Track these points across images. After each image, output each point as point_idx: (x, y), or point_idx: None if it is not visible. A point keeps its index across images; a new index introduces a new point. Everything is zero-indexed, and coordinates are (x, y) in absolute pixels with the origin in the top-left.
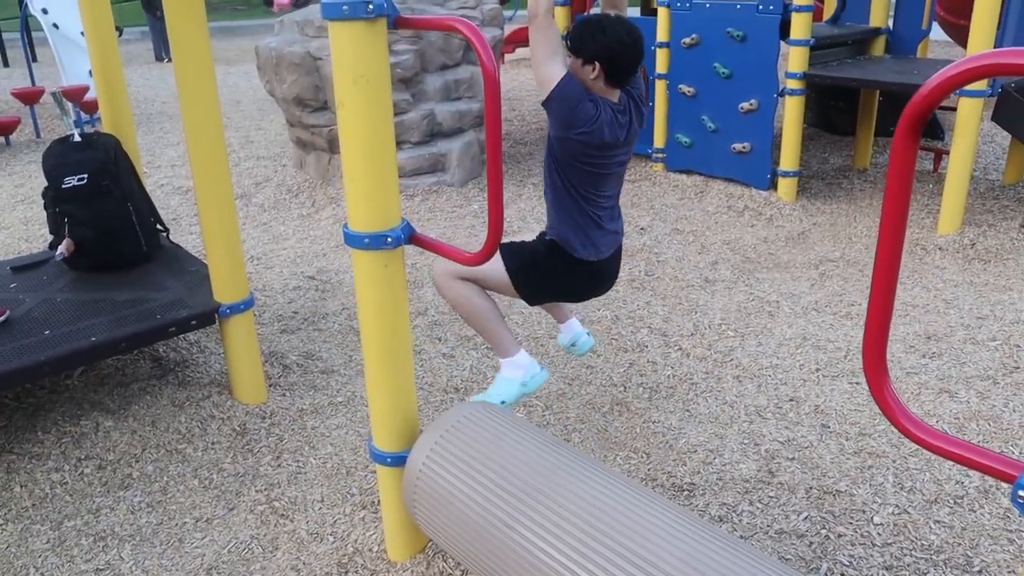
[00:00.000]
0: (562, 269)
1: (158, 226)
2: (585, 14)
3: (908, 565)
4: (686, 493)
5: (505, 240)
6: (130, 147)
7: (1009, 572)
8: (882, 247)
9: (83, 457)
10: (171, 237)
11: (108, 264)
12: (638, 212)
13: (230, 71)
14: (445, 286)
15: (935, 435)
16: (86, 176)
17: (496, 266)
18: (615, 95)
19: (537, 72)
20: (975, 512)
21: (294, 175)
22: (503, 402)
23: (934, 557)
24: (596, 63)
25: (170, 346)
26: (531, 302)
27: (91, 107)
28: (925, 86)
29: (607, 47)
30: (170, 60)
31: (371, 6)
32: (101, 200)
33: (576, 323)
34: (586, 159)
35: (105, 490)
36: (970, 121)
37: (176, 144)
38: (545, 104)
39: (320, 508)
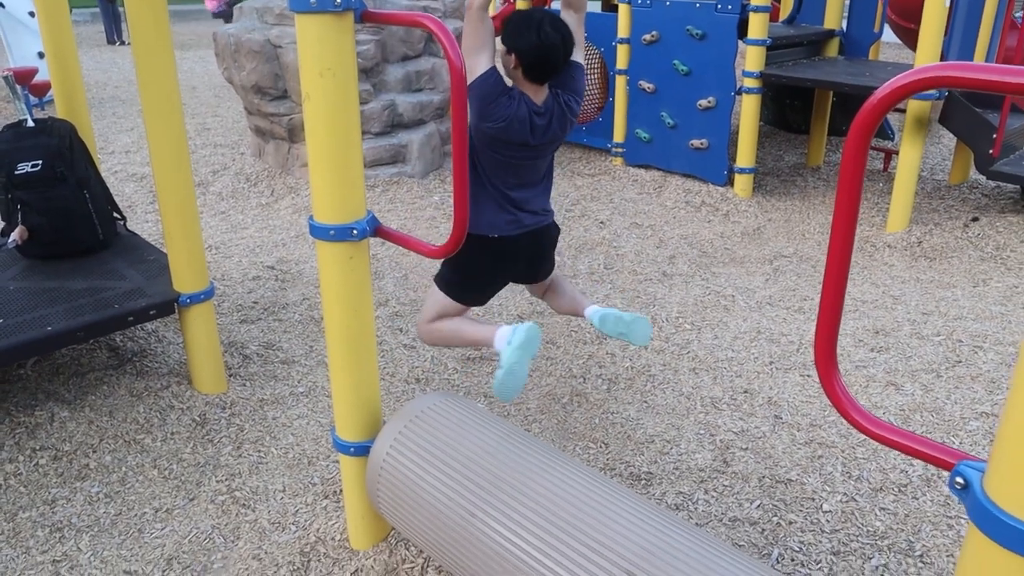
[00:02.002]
0: (472, 253)
1: (115, 214)
2: (518, 10)
3: (855, 550)
4: (644, 482)
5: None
6: (85, 133)
7: (948, 556)
8: (834, 245)
9: (38, 447)
10: (128, 225)
11: (63, 252)
12: (598, 206)
13: (185, 56)
14: (427, 337)
15: (882, 426)
16: (40, 162)
17: (433, 295)
18: (540, 95)
19: (465, 61)
20: (918, 499)
21: (252, 164)
22: (513, 366)
23: (879, 542)
24: (514, 55)
25: (127, 336)
26: (470, 300)
27: (40, 90)
28: (877, 94)
29: (526, 41)
30: (123, 43)
31: (339, 0)
32: (55, 187)
33: (596, 307)
34: (496, 149)
35: (61, 481)
36: (919, 123)
37: (130, 130)
38: (467, 90)
39: (282, 498)
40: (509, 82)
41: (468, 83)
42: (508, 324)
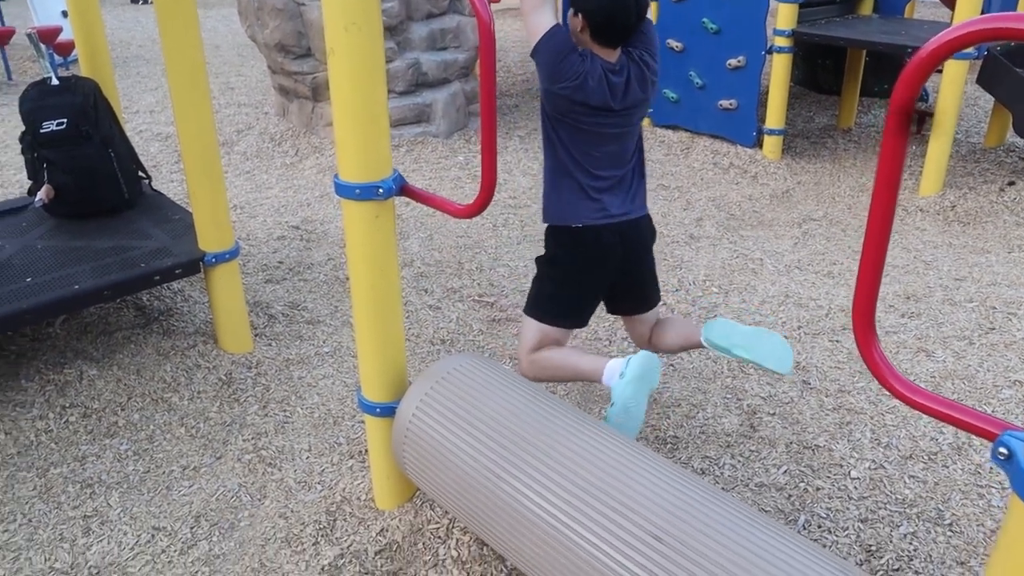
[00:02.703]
0: (557, 251)
1: (140, 173)
2: None
3: (883, 518)
4: (669, 446)
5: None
6: (109, 92)
7: (978, 525)
8: (875, 210)
9: (68, 405)
10: (153, 185)
11: (88, 211)
12: None
13: (208, 15)
14: (530, 372)
15: (922, 394)
16: (65, 121)
17: (527, 325)
18: (612, 54)
19: (525, 22)
20: (948, 468)
21: (276, 123)
22: (627, 402)
23: (907, 510)
24: (581, 16)
25: (153, 295)
26: (566, 316)
27: (65, 49)
28: (924, 48)
29: (596, 6)
30: (146, 2)
31: None
32: (80, 145)
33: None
34: (575, 117)
35: (91, 438)
36: (955, 84)
37: (154, 89)
38: (532, 55)
39: (307, 457)
40: None
41: (533, 45)
42: (620, 356)
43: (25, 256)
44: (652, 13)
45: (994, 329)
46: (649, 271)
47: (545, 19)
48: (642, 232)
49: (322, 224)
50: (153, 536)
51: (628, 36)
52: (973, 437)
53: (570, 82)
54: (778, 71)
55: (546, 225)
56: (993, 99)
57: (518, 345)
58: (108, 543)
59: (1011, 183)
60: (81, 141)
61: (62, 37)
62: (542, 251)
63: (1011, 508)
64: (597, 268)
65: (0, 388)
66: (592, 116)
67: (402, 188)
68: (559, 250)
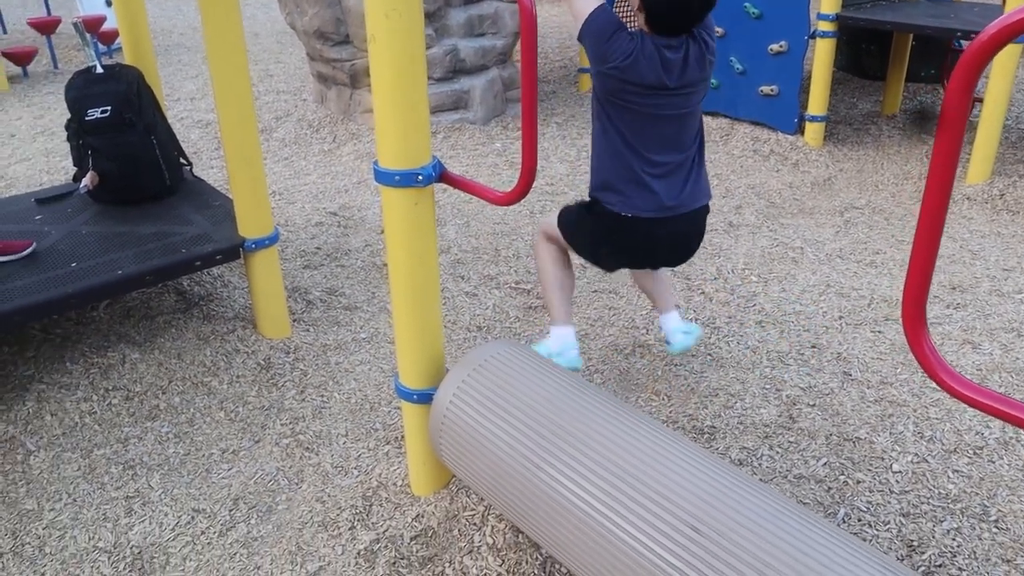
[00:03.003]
0: (599, 228)
1: (181, 160)
2: None
3: (925, 513)
4: (707, 436)
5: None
6: (152, 79)
7: None
8: (928, 200)
9: (111, 388)
10: (194, 171)
11: (132, 197)
12: None
13: (248, 2)
14: (537, 246)
15: (975, 389)
16: (109, 108)
17: (553, 219)
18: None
19: (569, 5)
20: (994, 463)
21: (315, 110)
22: (556, 359)
23: (951, 505)
24: (642, 9)
25: (194, 280)
26: (594, 262)
27: (109, 37)
28: (986, 32)
29: None
30: None
31: None
32: (124, 133)
33: (673, 317)
34: (629, 99)
35: (133, 420)
36: (1006, 68)
37: (195, 77)
38: (579, 38)
39: (344, 442)
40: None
41: (579, 28)
42: (574, 337)
43: (71, 241)
44: None
45: None
46: (694, 251)
47: (589, 1)
48: (697, 224)
49: (360, 210)
50: (193, 518)
51: (687, 31)
52: (1021, 432)
53: (620, 61)
54: (821, 56)
55: (589, 199)
56: None
57: (545, 218)
58: (149, 524)
59: None
60: (125, 128)
61: (106, 26)
62: None
63: None
64: (636, 254)
65: (46, 371)
66: (646, 97)
67: (441, 175)
68: (601, 227)
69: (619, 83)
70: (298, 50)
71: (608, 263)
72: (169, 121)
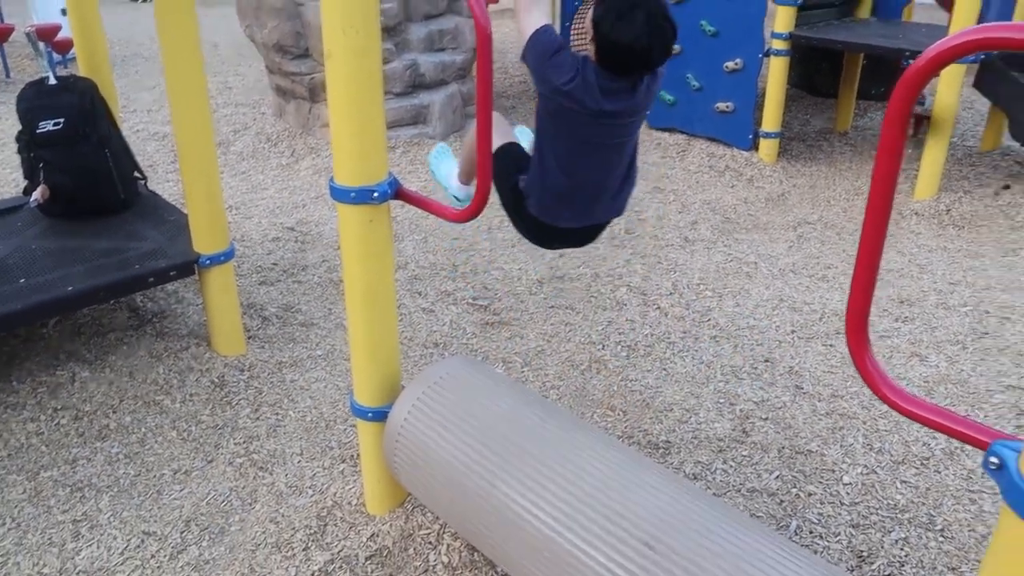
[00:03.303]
0: (519, 212)
1: (136, 173)
2: None
3: (874, 523)
4: (662, 451)
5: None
6: (107, 91)
7: (969, 530)
8: (870, 217)
9: (59, 407)
10: (148, 185)
11: (85, 211)
12: None
13: (208, 13)
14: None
15: (914, 402)
16: (62, 121)
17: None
18: None
19: (517, 22)
20: (940, 473)
21: (273, 123)
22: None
23: (899, 516)
24: (594, 32)
25: (147, 296)
26: (502, 203)
27: (63, 47)
28: (922, 57)
29: (614, 39)
30: (145, 0)
31: None
32: (77, 145)
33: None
34: (567, 121)
35: (82, 441)
36: (951, 87)
37: (152, 88)
38: (522, 58)
39: (299, 461)
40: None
41: (523, 47)
42: (466, 193)
43: (20, 256)
44: None
45: (987, 334)
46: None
47: (533, 20)
48: (603, 228)
49: (317, 225)
50: (143, 541)
51: (640, 75)
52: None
53: (561, 84)
54: (775, 74)
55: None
56: (989, 103)
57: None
58: (97, 548)
59: (1006, 187)
60: (78, 141)
61: (61, 35)
62: (537, 256)
63: (1002, 517)
64: (541, 237)
65: None
66: (584, 122)
67: (397, 192)
68: (519, 211)
69: (558, 107)
70: (258, 62)
71: (513, 220)
72: (125, 133)
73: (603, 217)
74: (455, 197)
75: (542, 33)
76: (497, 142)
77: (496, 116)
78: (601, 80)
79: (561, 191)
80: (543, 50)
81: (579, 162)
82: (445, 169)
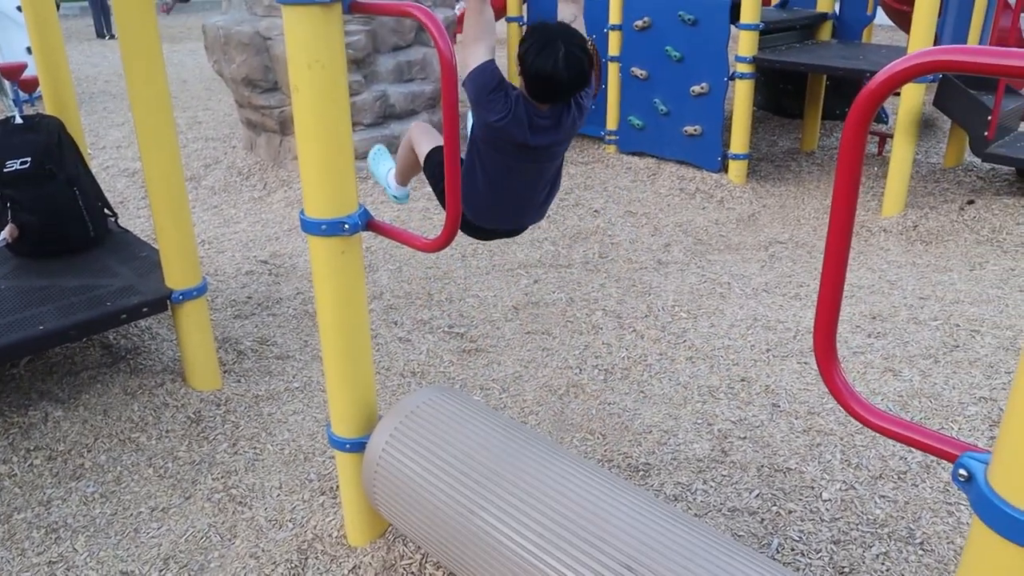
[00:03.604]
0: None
1: (105, 210)
2: (543, 22)
3: (855, 539)
4: (641, 473)
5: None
6: (74, 128)
7: (948, 543)
8: (833, 234)
9: (32, 448)
10: (119, 222)
11: (54, 250)
12: (591, 195)
13: (175, 49)
14: (406, 143)
15: (884, 418)
16: (29, 160)
17: (425, 149)
18: (543, 105)
19: (461, 52)
20: (917, 487)
21: (244, 157)
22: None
23: (879, 530)
24: (521, 70)
25: (120, 333)
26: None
27: (29, 85)
28: (876, 79)
29: (537, 67)
30: (112, 37)
31: None
32: (45, 184)
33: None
34: (497, 148)
35: (56, 481)
36: (913, 106)
37: (121, 124)
38: (463, 85)
39: (278, 495)
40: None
41: (463, 77)
42: (405, 193)
43: None
44: (616, 42)
45: (958, 347)
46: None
47: (476, 55)
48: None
49: (291, 258)
50: None
51: (562, 100)
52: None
53: (494, 119)
54: (741, 97)
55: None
56: (950, 120)
57: (425, 137)
58: None
59: (970, 202)
60: (45, 180)
61: (26, 73)
62: (512, 282)
63: (973, 528)
64: (481, 236)
65: None
66: (510, 151)
67: (368, 223)
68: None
69: (492, 136)
70: (227, 97)
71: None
72: (94, 170)
73: (529, 223)
74: (393, 196)
75: (483, 70)
76: (429, 146)
77: (424, 126)
78: (531, 115)
79: (489, 203)
80: (481, 86)
81: (504, 183)
82: (383, 168)
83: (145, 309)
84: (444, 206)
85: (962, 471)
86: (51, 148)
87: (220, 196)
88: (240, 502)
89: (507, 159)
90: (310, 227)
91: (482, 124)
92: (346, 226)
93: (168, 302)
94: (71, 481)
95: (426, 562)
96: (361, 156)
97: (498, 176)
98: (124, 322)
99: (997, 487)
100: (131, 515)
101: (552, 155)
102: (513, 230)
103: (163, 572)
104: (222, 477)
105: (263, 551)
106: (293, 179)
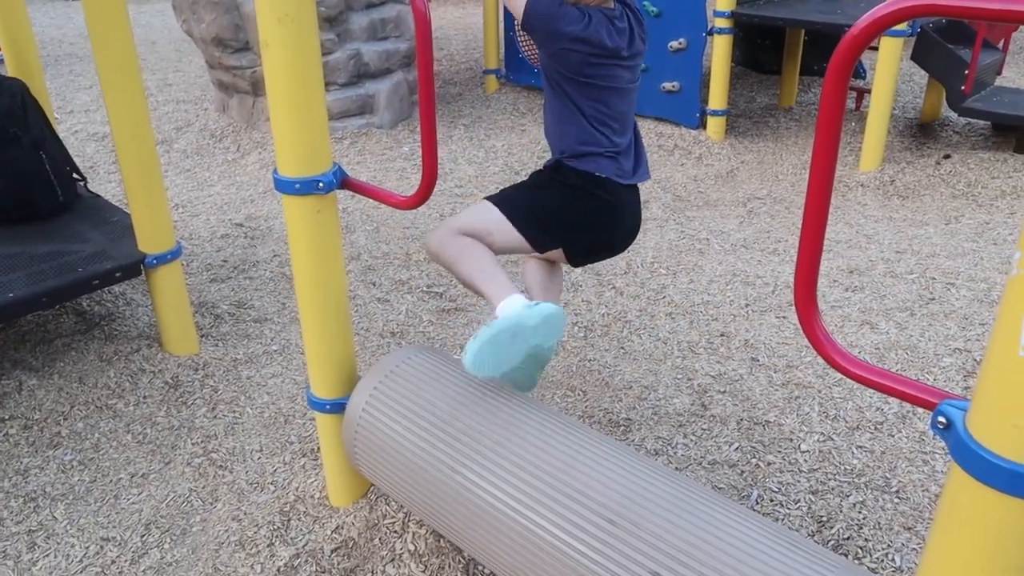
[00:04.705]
0: (568, 193)
1: (74, 175)
2: None
3: (832, 488)
4: (622, 429)
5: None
6: (39, 91)
7: (923, 491)
8: (813, 186)
9: (7, 417)
10: (89, 186)
11: (22, 216)
12: None
13: (142, 10)
14: (439, 245)
15: (863, 367)
16: None
17: (491, 216)
18: (608, 2)
19: (510, 3)
20: (893, 436)
21: (217, 119)
22: (514, 332)
23: (856, 480)
24: None
25: (94, 299)
26: (547, 247)
27: None
28: (855, 27)
29: None
30: None
31: None
32: (9, 148)
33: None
34: (590, 72)
35: (33, 450)
36: (890, 60)
37: (88, 88)
38: (526, 24)
39: (259, 458)
40: None
41: (523, 16)
42: (526, 296)
43: None
44: None
45: (934, 299)
46: (638, 231)
47: None
48: (639, 201)
49: (266, 220)
50: (102, 547)
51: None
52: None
53: (577, 29)
54: (719, 52)
55: (551, 166)
56: (927, 75)
57: (450, 220)
58: (55, 557)
59: (947, 156)
60: (9, 144)
61: None
62: None
63: (951, 475)
64: (598, 228)
65: None
66: (605, 68)
67: (343, 181)
68: (567, 193)
69: (580, 55)
70: (197, 58)
71: (569, 239)
72: (63, 135)
73: (641, 176)
74: (537, 323)
75: None
76: (486, 225)
77: (449, 242)
78: (608, 17)
79: (602, 144)
80: (548, 7)
81: (618, 104)
82: (487, 341)
83: (118, 274)
84: (549, 241)
85: (941, 418)
86: (14, 110)
87: (193, 159)
88: (220, 466)
89: (604, 82)
90: (283, 186)
91: (569, 46)
92: (320, 184)
93: (141, 266)
94: (48, 449)
95: (409, 521)
96: (335, 117)
97: (610, 100)
98: (97, 288)
99: (976, 433)
100: (111, 482)
101: (636, 72)
102: (634, 209)
103: (145, 537)
104: (202, 442)
105: (245, 514)
106: (267, 141)
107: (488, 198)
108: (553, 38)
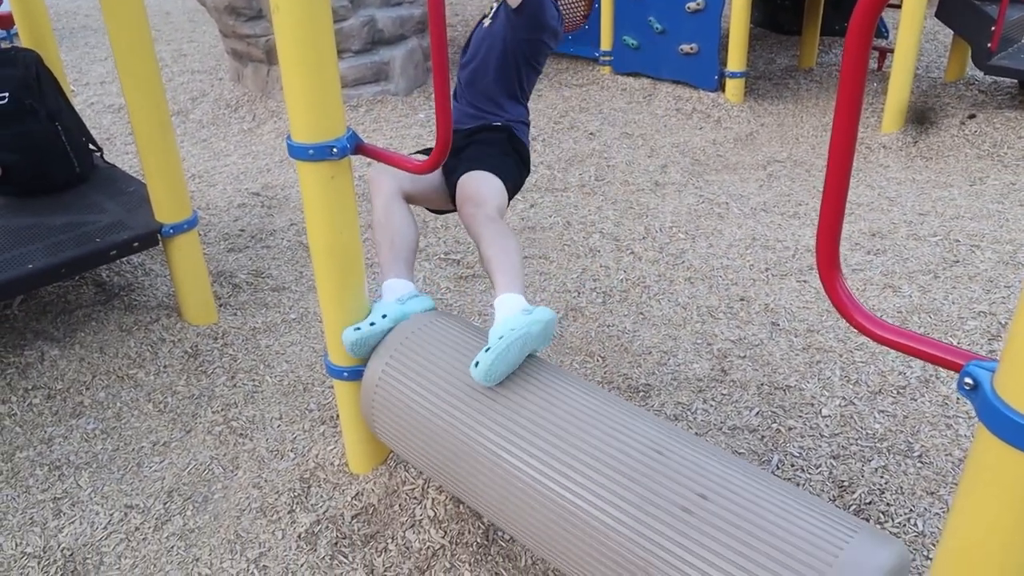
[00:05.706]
0: (520, 159)
1: (90, 146)
2: None
3: (854, 453)
4: (642, 394)
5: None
6: (53, 63)
7: (946, 455)
8: (834, 149)
9: (30, 387)
10: (105, 157)
11: (39, 188)
12: (587, 117)
13: None
14: (494, 231)
15: (888, 329)
16: (7, 95)
17: (494, 187)
18: None
19: None
20: (916, 401)
21: (232, 89)
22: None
23: (878, 444)
24: None
25: (113, 270)
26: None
27: (6, 22)
28: None
29: None
30: None
31: None
32: (26, 120)
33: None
34: (543, 60)
35: (56, 419)
36: (914, 19)
37: (104, 59)
38: (519, 9)
39: (279, 425)
40: None
41: (527, 15)
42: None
43: None
44: None
45: (958, 262)
46: None
47: None
48: None
49: (283, 189)
50: (126, 514)
51: None
52: (940, 369)
53: (556, 23)
54: (738, 13)
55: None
56: (952, 33)
57: (483, 203)
58: (80, 524)
59: (971, 116)
60: (26, 116)
61: (3, 9)
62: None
63: (978, 437)
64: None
65: None
66: (548, 55)
67: (357, 147)
68: (524, 156)
69: (547, 47)
70: (211, 28)
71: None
72: (79, 107)
73: None
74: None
75: None
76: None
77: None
78: (560, 14)
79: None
80: (546, 7)
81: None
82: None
83: (136, 244)
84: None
85: (968, 379)
86: (29, 82)
87: (209, 129)
88: (241, 434)
89: (541, 66)
90: (297, 152)
91: (539, 44)
92: (334, 150)
93: (159, 236)
94: (71, 419)
95: (428, 487)
96: (349, 84)
97: (532, 84)
98: (115, 258)
99: (1003, 394)
100: (133, 450)
101: None
102: None
103: (167, 505)
104: (222, 410)
105: (266, 481)
106: (282, 110)
107: (488, 169)
108: (537, 27)
